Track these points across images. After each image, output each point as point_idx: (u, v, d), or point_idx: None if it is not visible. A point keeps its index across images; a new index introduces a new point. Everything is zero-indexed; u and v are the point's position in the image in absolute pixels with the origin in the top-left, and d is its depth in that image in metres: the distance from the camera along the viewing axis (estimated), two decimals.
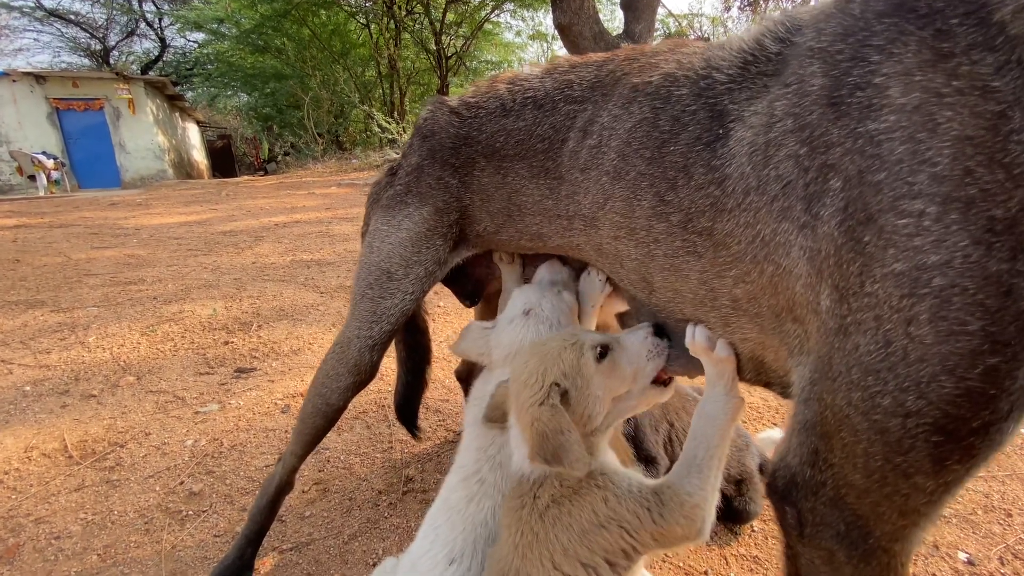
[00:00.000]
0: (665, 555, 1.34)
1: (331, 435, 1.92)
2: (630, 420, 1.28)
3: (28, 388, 2.23)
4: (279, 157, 19.17)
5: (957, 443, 0.49)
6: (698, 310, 0.80)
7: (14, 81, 13.90)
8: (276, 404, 2.11)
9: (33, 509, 1.56)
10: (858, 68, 0.55)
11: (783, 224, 0.60)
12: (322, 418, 1.14)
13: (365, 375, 1.09)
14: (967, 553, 1.33)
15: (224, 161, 21.51)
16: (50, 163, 13.02)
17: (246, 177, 16.10)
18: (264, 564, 1.36)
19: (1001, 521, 1.44)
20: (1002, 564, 1.31)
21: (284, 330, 2.80)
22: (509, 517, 0.85)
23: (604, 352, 0.86)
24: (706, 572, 1.29)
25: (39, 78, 14.16)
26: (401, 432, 1.93)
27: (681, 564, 1.32)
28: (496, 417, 0.94)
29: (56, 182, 13.18)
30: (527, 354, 0.89)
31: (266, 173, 17.89)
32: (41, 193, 12.47)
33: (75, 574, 1.33)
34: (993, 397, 0.46)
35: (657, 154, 0.76)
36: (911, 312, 0.48)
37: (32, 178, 12.87)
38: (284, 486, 1.26)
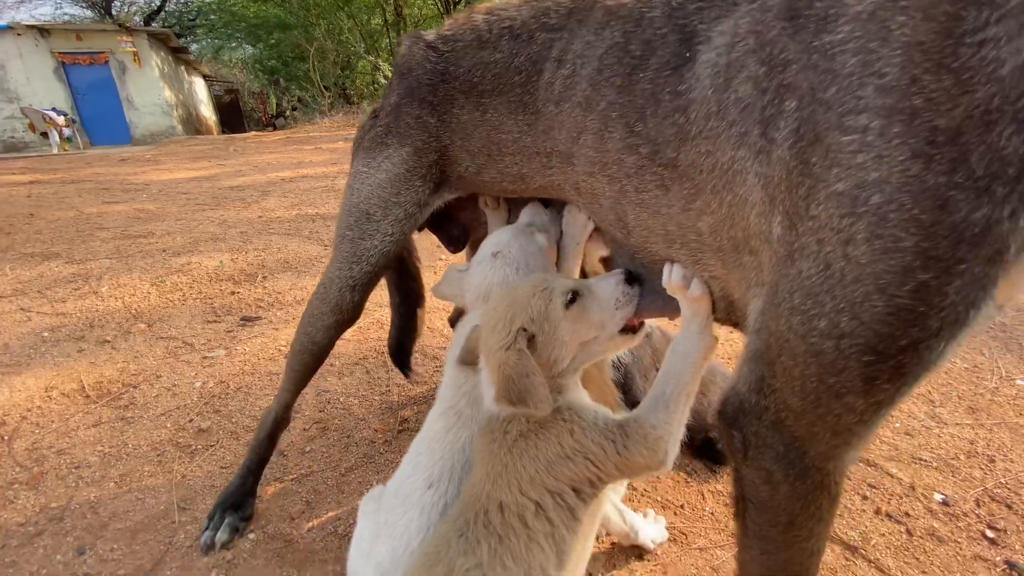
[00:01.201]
0: (644, 489, 1.40)
1: (331, 378, 1.99)
2: (620, 368, 1.30)
3: (46, 334, 2.34)
4: (287, 112, 18.88)
5: (887, 362, 0.49)
6: (670, 248, 0.80)
7: (19, 35, 13.73)
8: (280, 350, 2.18)
9: (55, 442, 1.67)
10: None
11: (740, 151, 0.59)
12: (309, 355, 1.18)
13: (347, 315, 1.12)
14: (943, 495, 1.36)
15: (232, 116, 21.27)
16: (61, 120, 13.01)
17: (254, 133, 15.95)
18: (267, 492, 1.45)
19: (983, 466, 1.47)
20: (978, 506, 1.33)
21: (288, 281, 2.86)
22: (482, 451, 0.88)
23: (573, 298, 0.86)
24: (683, 505, 1.35)
25: (43, 31, 13.96)
26: (399, 377, 2.00)
27: (659, 498, 1.38)
28: (470, 360, 0.96)
29: (68, 139, 13.21)
30: (498, 300, 0.90)
31: (275, 128, 17.68)
32: (54, 151, 12.54)
33: (94, 498, 1.44)
34: (923, 314, 0.47)
35: (627, 82, 0.74)
36: (850, 232, 0.48)
37: (45, 135, 12.91)
38: (280, 420, 1.33)
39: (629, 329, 0.93)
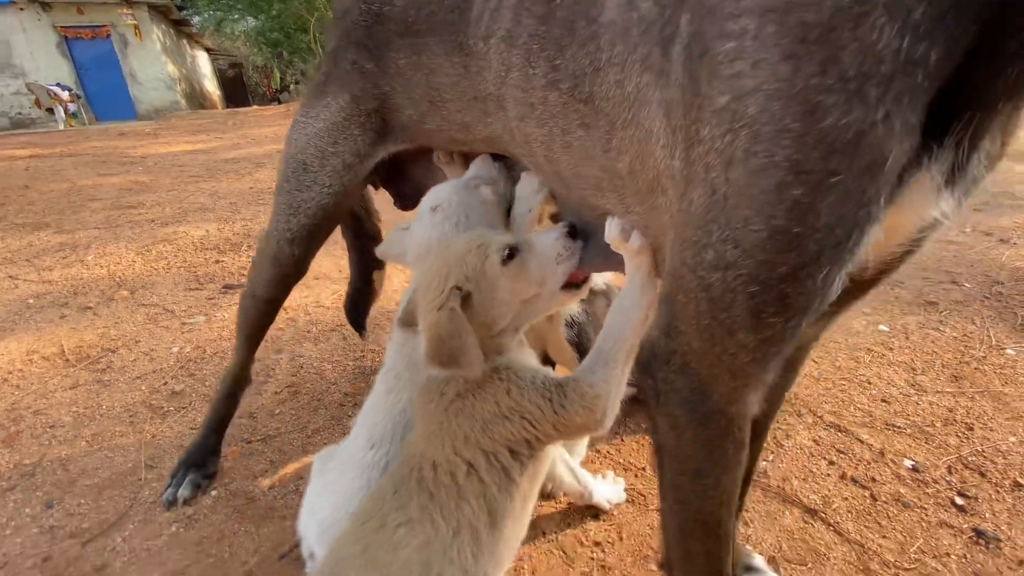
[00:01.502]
0: (607, 451, 1.39)
1: (307, 344, 1.99)
2: (573, 326, 1.27)
3: (31, 301, 2.36)
4: (291, 86, 18.66)
5: (770, 293, 0.46)
6: (602, 196, 0.75)
7: (21, 9, 13.62)
8: None
9: (32, 403, 1.69)
10: None
11: (644, 76, 0.55)
12: (253, 310, 1.16)
13: (289, 268, 1.09)
14: (913, 461, 1.33)
15: (236, 91, 21.10)
16: (65, 95, 12.97)
17: (255, 107, 15.83)
18: (233, 452, 1.46)
19: (960, 434, 1.42)
20: (949, 473, 1.30)
21: None
22: (420, 411, 0.87)
23: (511, 254, 0.83)
24: (644, 468, 1.33)
25: (44, 5, 13.82)
26: (375, 343, 1.99)
27: (622, 460, 1.36)
28: (409, 321, 0.94)
29: (74, 115, 13.19)
30: (433, 255, 0.87)
31: (279, 103, 17.52)
32: (61, 127, 12.54)
33: (65, 456, 1.46)
34: (798, 236, 0.43)
35: (547, 11, 0.69)
36: (731, 151, 0.44)
37: (51, 111, 12.90)
38: (238, 379, 1.33)
39: (572, 284, 0.90)
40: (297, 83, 18.31)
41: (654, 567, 1.09)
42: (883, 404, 1.53)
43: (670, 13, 0.51)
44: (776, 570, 1.06)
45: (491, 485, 0.79)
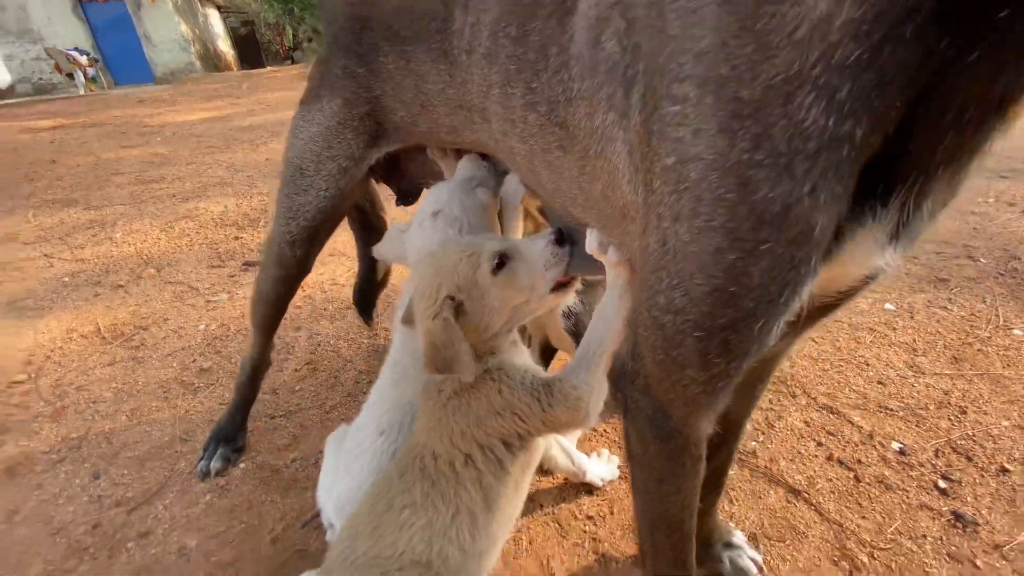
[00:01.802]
0: (604, 429, 1.46)
1: (324, 322, 2.09)
2: (570, 317, 1.32)
3: (67, 279, 2.51)
4: (304, 44, 18.28)
5: (713, 339, 0.50)
6: (583, 212, 0.78)
7: None
8: None
9: (75, 380, 1.84)
10: None
11: (610, 114, 0.56)
12: (263, 306, 1.24)
13: (293, 269, 1.15)
14: (901, 444, 1.37)
15: (250, 50, 20.75)
16: (84, 59, 13.00)
17: (270, 68, 15.63)
18: (258, 427, 1.58)
19: (952, 417, 1.44)
20: (936, 456, 1.33)
21: None
22: (422, 407, 0.94)
23: (501, 263, 0.86)
24: None
25: None
26: (388, 321, 2.08)
27: (617, 439, 1.44)
28: (411, 320, 0.99)
29: (93, 79, 13.27)
30: (427, 264, 0.91)
31: (293, 62, 17.23)
32: (81, 92, 12.65)
33: (108, 430, 1.61)
34: (735, 295, 0.46)
35: (521, 32, 0.69)
36: (676, 209, 0.47)
37: (71, 76, 12.99)
38: (257, 365, 1.43)
39: (559, 285, 0.94)
40: (310, 40, 17.91)
41: None
42: (879, 386, 1.55)
43: (631, 57, 0.52)
44: (756, 547, 1.14)
45: (487, 474, 0.87)
